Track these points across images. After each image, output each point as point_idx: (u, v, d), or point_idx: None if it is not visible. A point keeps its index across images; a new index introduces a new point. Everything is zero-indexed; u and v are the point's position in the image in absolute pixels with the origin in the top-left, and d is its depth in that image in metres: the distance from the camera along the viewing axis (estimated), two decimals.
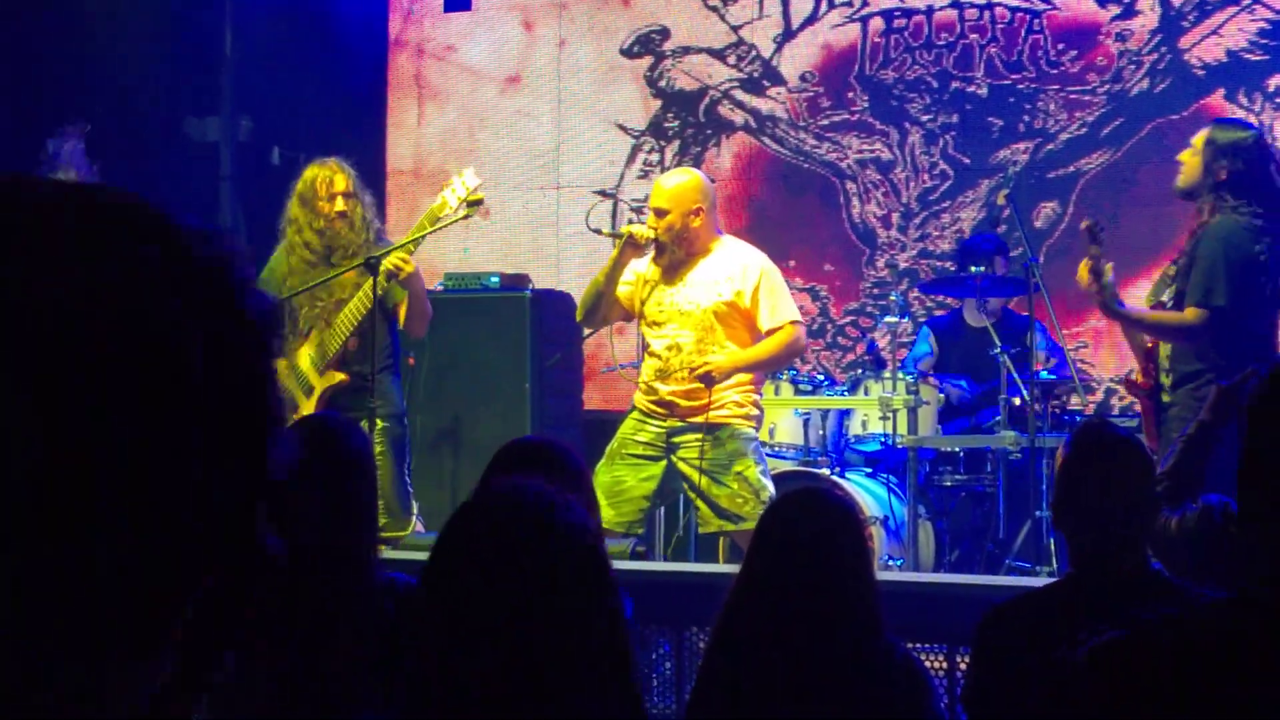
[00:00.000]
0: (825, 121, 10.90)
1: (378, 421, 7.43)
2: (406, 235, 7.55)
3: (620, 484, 7.24)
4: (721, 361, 7.12)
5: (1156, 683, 1.96)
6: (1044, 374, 8.15)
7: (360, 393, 7.40)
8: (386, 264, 7.28)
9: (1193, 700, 1.93)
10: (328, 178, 7.56)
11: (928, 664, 5.36)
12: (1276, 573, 1.96)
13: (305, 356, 7.56)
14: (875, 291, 10.67)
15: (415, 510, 7.67)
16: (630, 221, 10.44)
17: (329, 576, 3.94)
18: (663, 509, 8.23)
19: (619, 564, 6.10)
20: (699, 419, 7.19)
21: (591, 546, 2.43)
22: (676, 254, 7.23)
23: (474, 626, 2.32)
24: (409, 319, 7.56)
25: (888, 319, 8.58)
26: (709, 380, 7.09)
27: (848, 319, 10.76)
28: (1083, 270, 6.76)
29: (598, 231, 7.70)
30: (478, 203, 7.39)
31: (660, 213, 7.22)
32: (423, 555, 5.98)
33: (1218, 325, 6.57)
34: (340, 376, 7.49)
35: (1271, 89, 9.89)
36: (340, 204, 7.53)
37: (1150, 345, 6.92)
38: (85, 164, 8.18)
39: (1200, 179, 6.80)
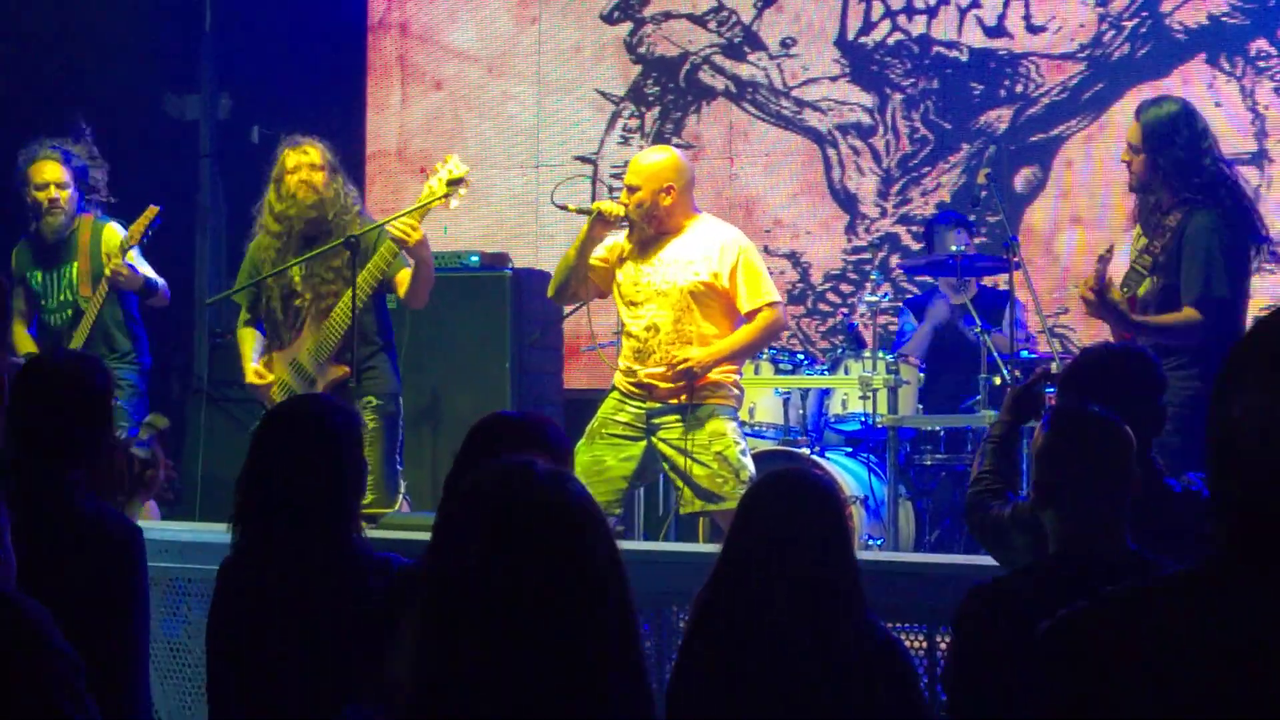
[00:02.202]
0: (806, 87, 10.87)
1: (371, 399, 7.43)
2: (391, 217, 7.50)
3: (600, 464, 7.22)
4: (701, 356, 7.10)
5: (1116, 653, 1.99)
6: (1025, 353, 8.17)
7: (357, 378, 7.40)
8: (393, 230, 7.27)
9: (1153, 671, 1.95)
10: (299, 150, 7.57)
11: (908, 644, 5.37)
12: (1229, 548, 1.99)
13: (305, 351, 7.53)
14: (856, 258, 10.68)
15: (402, 489, 7.69)
16: (608, 196, 10.44)
17: (310, 555, 3.96)
18: (642, 489, 8.24)
19: None
20: (678, 400, 7.20)
21: (603, 521, 2.41)
22: (645, 231, 7.21)
23: (482, 608, 2.28)
24: (413, 288, 7.45)
25: (868, 299, 8.57)
26: (690, 375, 7.09)
27: (828, 284, 10.76)
28: (1086, 284, 6.65)
29: (563, 207, 7.64)
30: (458, 181, 7.37)
31: (632, 189, 7.21)
32: (404, 534, 6.00)
33: (1217, 315, 6.49)
34: (343, 370, 7.43)
35: (1253, 53, 9.87)
36: (305, 174, 7.52)
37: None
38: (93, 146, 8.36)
39: (1149, 173, 6.68)
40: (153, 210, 8.11)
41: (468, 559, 2.31)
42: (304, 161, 7.55)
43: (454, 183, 7.35)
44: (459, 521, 2.39)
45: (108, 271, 8.09)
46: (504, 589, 2.27)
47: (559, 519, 2.34)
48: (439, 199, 7.35)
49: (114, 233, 8.23)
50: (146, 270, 8.31)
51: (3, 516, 2.73)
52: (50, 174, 8.25)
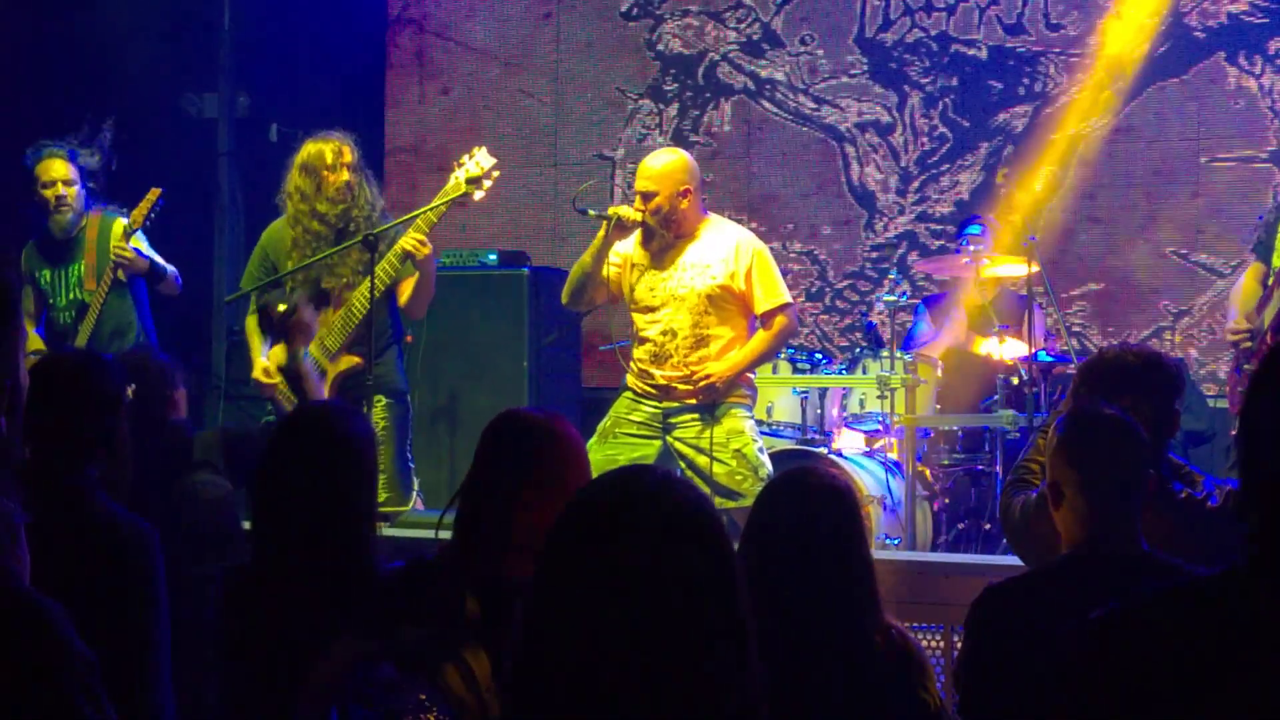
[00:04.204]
0: (824, 85, 10.87)
1: (381, 399, 7.43)
2: (417, 212, 7.45)
3: (613, 463, 7.21)
4: (721, 370, 7.13)
5: (1152, 655, 2.00)
6: (1043, 354, 8.14)
7: (364, 373, 7.40)
8: (404, 245, 7.25)
9: (1187, 672, 1.96)
10: (336, 149, 7.50)
11: (924, 643, 5.39)
12: (1265, 551, 2.01)
13: (315, 342, 7.52)
14: (874, 255, 10.68)
15: (416, 487, 7.69)
16: (624, 196, 10.44)
17: (321, 560, 3.95)
18: None
19: None
20: (693, 400, 7.23)
21: (717, 522, 2.41)
22: (666, 237, 7.20)
23: (589, 611, 2.28)
24: (414, 300, 7.45)
25: (886, 297, 8.55)
26: (712, 391, 7.12)
27: (846, 282, 10.76)
28: None
29: (583, 212, 7.58)
30: (478, 179, 7.36)
31: (647, 195, 7.16)
32: (418, 532, 5.97)
33: None
34: (354, 360, 7.41)
35: (1272, 51, 9.85)
36: (345, 175, 7.48)
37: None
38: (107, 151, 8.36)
39: None
40: (155, 193, 8.13)
41: (580, 564, 2.32)
42: (343, 163, 7.51)
43: (473, 180, 7.34)
44: (571, 528, 2.39)
45: (112, 257, 8.11)
46: (613, 593, 2.28)
47: (670, 524, 2.34)
48: (461, 193, 7.34)
49: (121, 224, 8.24)
50: (154, 256, 8.31)
51: (19, 517, 2.73)
52: (57, 172, 8.30)
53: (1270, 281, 7.36)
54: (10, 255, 8.31)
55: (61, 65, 10.55)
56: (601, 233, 7.24)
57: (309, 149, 7.55)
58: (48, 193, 8.31)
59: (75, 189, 8.33)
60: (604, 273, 7.32)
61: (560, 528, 2.40)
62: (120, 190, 8.61)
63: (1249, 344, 7.20)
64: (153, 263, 8.24)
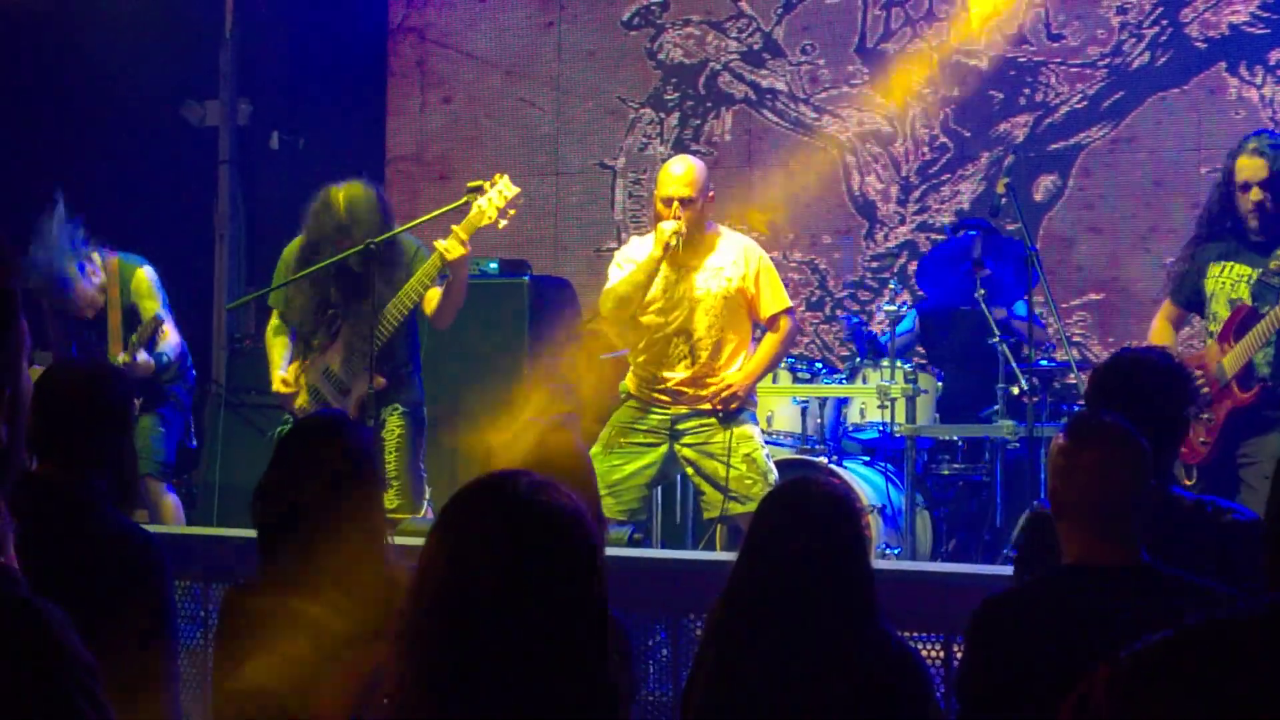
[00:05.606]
0: (825, 94, 10.87)
1: (397, 407, 7.44)
2: (412, 224, 7.41)
3: (618, 472, 7.31)
4: (741, 380, 7.30)
5: (1202, 688, 1.95)
6: (1043, 362, 8.14)
7: (386, 387, 7.40)
8: (439, 245, 7.22)
9: (1239, 706, 1.92)
10: (335, 205, 7.43)
11: (924, 653, 5.36)
12: None
13: (336, 360, 7.50)
14: (875, 265, 10.67)
15: (428, 496, 7.70)
16: (626, 198, 10.44)
17: (331, 568, 3.94)
18: (660, 497, 8.24)
19: (616, 551, 6.10)
20: (705, 405, 7.27)
21: (586, 532, 2.46)
22: (698, 242, 7.30)
23: (463, 609, 2.36)
24: (441, 308, 7.43)
25: (886, 306, 8.55)
26: (734, 399, 7.20)
27: (846, 292, 10.76)
28: None
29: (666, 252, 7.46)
30: (503, 209, 7.39)
31: (687, 202, 7.25)
32: (420, 540, 6.02)
33: None
34: (379, 381, 7.37)
35: (1273, 62, 9.86)
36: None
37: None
38: (71, 228, 8.19)
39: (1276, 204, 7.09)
40: (154, 324, 8.04)
41: (453, 560, 2.40)
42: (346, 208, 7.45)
43: (499, 209, 7.36)
44: (445, 525, 2.44)
45: (122, 360, 7.98)
46: (487, 589, 2.35)
47: (541, 523, 2.41)
48: (486, 222, 7.35)
49: (143, 277, 8.17)
50: (167, 337, 8.17)
51: (7, 525, 2.73)
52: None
53: (1215, 328, 7.18)
54: (12, 260, 8.21)
55: (63, 71, 10.56)
56: (657, 252, 7.23)
57: (338, 199, 7.46)
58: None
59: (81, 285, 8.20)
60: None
61: (437, 525, 2.50)
62: (121, 199, 8.60)
63: (1205, 389, 7.04)
64: (157, 363, 8.09)
